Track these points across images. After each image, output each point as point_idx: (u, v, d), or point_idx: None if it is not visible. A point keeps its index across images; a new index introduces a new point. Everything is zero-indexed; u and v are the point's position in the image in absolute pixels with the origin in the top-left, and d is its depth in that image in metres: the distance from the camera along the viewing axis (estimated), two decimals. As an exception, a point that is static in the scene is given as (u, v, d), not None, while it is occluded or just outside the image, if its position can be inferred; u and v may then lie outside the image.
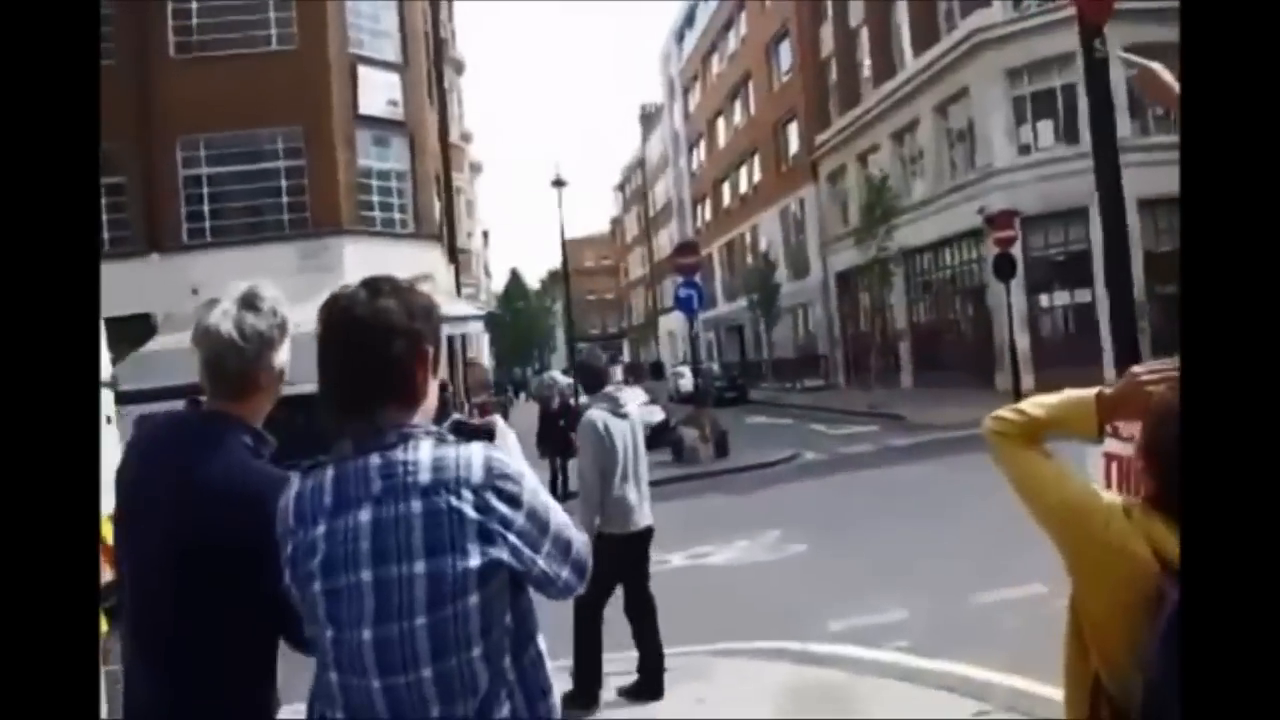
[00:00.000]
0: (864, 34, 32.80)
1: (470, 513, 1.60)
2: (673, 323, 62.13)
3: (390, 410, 1.68)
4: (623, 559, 5.44)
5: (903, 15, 29.88)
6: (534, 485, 1.71)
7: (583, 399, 28.76)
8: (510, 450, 1.77)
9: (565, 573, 1.74)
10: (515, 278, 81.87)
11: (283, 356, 2.02)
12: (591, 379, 5.87)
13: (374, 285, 1.73)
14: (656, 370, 61.98)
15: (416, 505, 1.61)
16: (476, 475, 1.63)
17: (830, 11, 35.32)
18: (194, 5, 19.17)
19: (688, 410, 20.72)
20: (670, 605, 5.87)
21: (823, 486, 13.95)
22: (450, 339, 23.75)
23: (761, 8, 42.95)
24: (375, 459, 1.65)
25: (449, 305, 19.20)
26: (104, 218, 19.21)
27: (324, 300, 1.75)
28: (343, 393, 1.70)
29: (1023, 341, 22.05)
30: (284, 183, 19.67)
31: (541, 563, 1.68)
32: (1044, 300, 24.34)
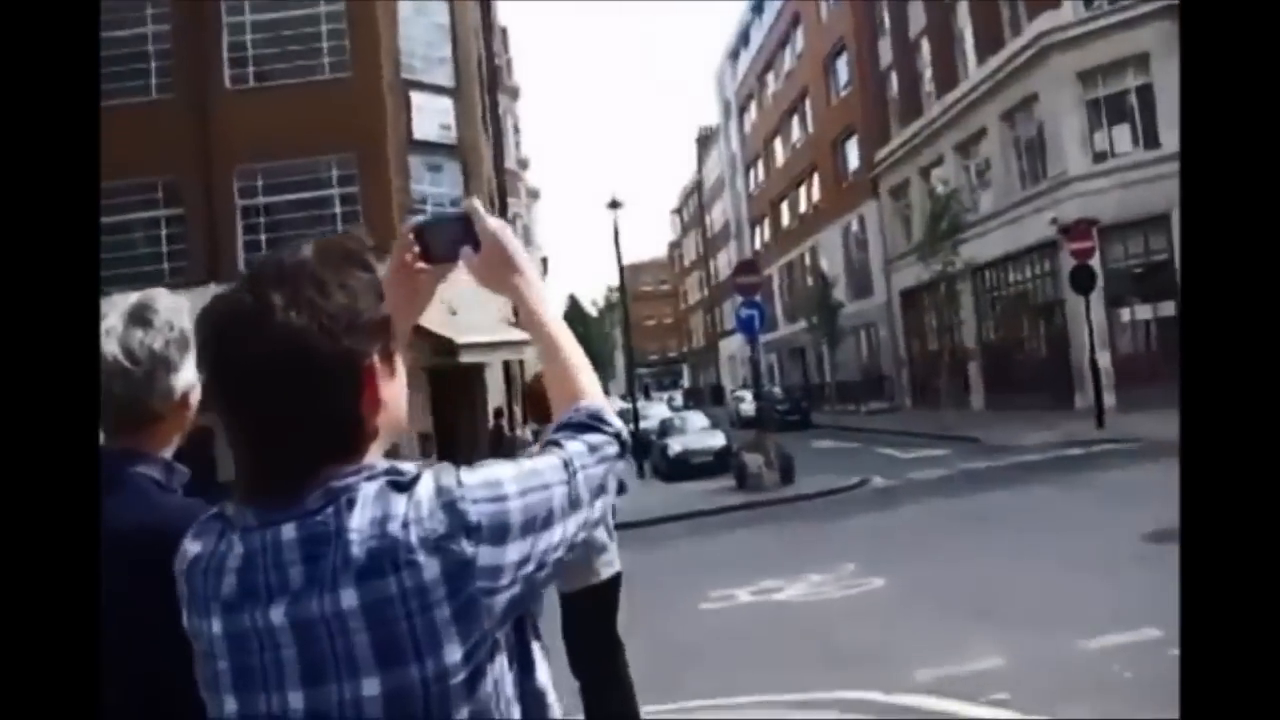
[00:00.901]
0: (924, 43, 31.95)
1: (435, 589, 1.07)
2: (733, 346, 61.58)
3: (321, 470, 1.12)
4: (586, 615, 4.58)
5: (965, 21, 28.96)
6: (510, 474, 1.17)
7: (648, 418, 28.18)
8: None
9: (599, 471, 1.26)
10: (574, 303, 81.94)
11: (186, 378, 1.64)
12: (540, 407, 4.81)
13: (259, 280, 1.14)
14: (716, 394, 61.60)
15: (351, 598, 1.06)
16: (432, 522, 1.08)
17: (889, 23, 34.56)
18: (249, 37, 19.34)
19: (750, 435, 20.08)
20: (735, 647, 5.24)
21: (897, 514, 13.10)
22: (507, 364, 23.46)
23: (818, 23, 42.37)
24: (290, 531, 1.10)
25: (506, 332, 18.87)
26: (164, 249, 19.41)
27: (199, 313, 1.19)
28: (245, 463, 1.15)
29: (1103, 358, 20.93)
30: (339, 210, 19.65)
31: (561, 546, 1.19)
32: (1124, 314, 23.16)
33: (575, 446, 1.25)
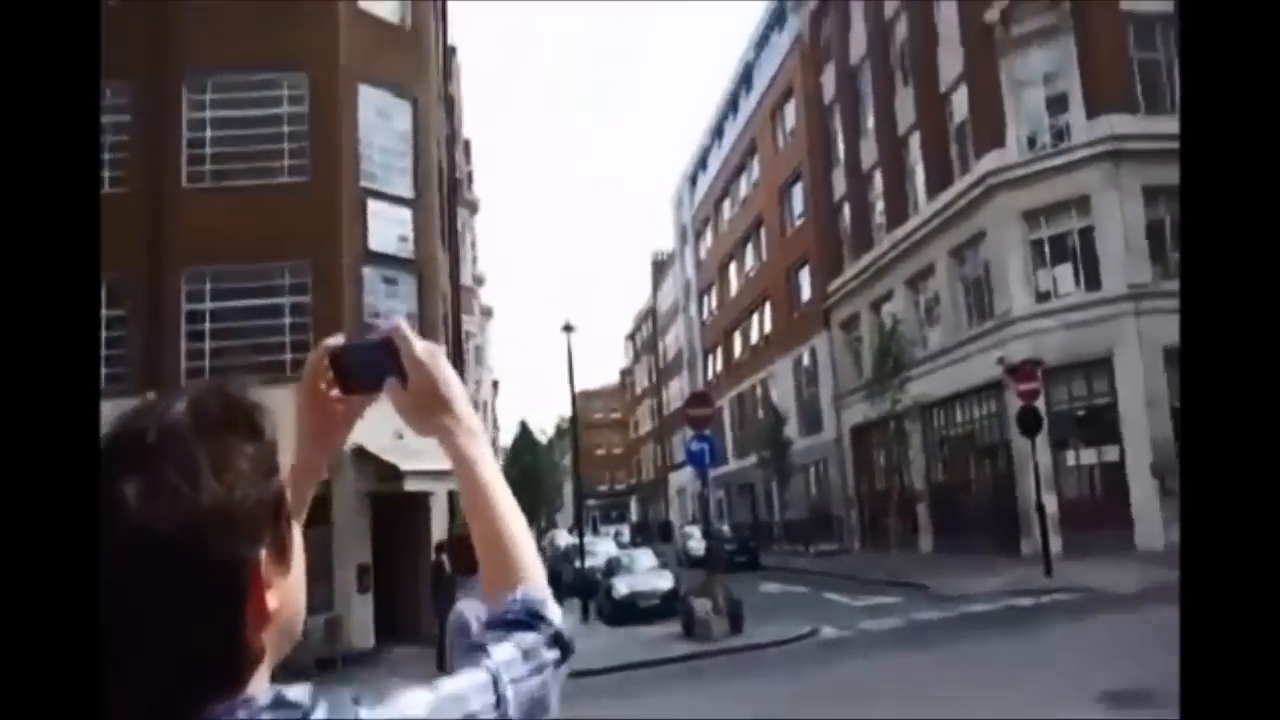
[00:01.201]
0: (877, 176, 32.99)
1: None
2: (682, 479, 61.14)
3: (186, 713, 0.85)
4: None
5: (916, 156, 30.06)
6: (423, 705, 0.93)
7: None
8: None
9: (533, 683, 1.03)
10: (524, 430, 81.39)
11: None
12: (467, 558, 4.71)
13: (110, 457, 0.88)
14: (665, 531, 60.63)
15: None
16: None
17: (843, 155, 35.73)
18: (209, 134, 19.19)
19: (698, 578, 19.67)
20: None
21: (849, 669, 12.65)
22: (453, 494, 22.76)
23: (774, 152, 43.76)
24: None
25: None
26: (102, 352, 18.73)
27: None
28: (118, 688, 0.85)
29: (1049, 502, 20.97)
30: (288, 320, 19.19)
31: None
32: (1069, 457, 23.33)
33: (505, 653, 1.04)
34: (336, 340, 1.19)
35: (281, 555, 0.94)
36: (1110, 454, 22.38)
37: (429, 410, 1.17)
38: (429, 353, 1.17)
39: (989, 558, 22.55)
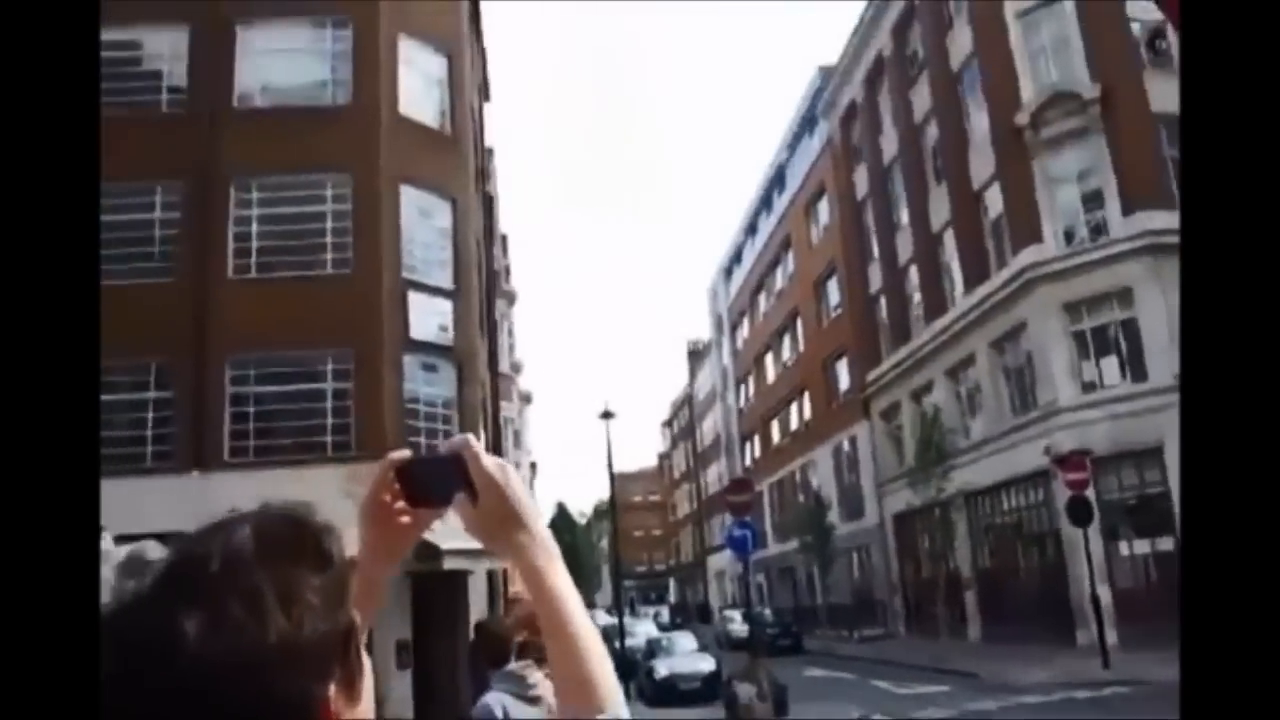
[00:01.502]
0: (913, 270, 33.07)
1: None
2: (721, 562, 60.34)
3: None
4: None
5: (951, 252, 30.11)
6: None
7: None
8: None
9: None
10: (562, 511, 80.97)
11: None
12: (494, 650, 4.60)
13: (169, 588, 0.83)
14: (703, 612, 60.05)
15: None
16: None
17: (877, 250, 35.93)
18: (255, 229, 19.79)
19: (740, 660, 19.21)
20: None
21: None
22: (491, 573, 22.62)
23: (808, 246, 44.06)
24: None
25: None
26: (149, 431, 19.15)
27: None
28: None
29: (1103, 593, 20.31)
30: (330, 404, 19.44)
31: None
32: (1122, 547, 22.68)
33: None
34: (402, 454, 1.17)
35: (351, 688, 0.88)
36: (1165, 544, 21.71)
37: (501, 527, 1.15)
38: (499, 468, 1.15)
39: (1041, 647, 21.87)
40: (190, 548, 0.87)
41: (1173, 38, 24.55)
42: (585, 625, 1.13)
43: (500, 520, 1.15)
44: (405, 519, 1.16)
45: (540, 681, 4.01)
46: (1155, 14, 24.62)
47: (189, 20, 20.69)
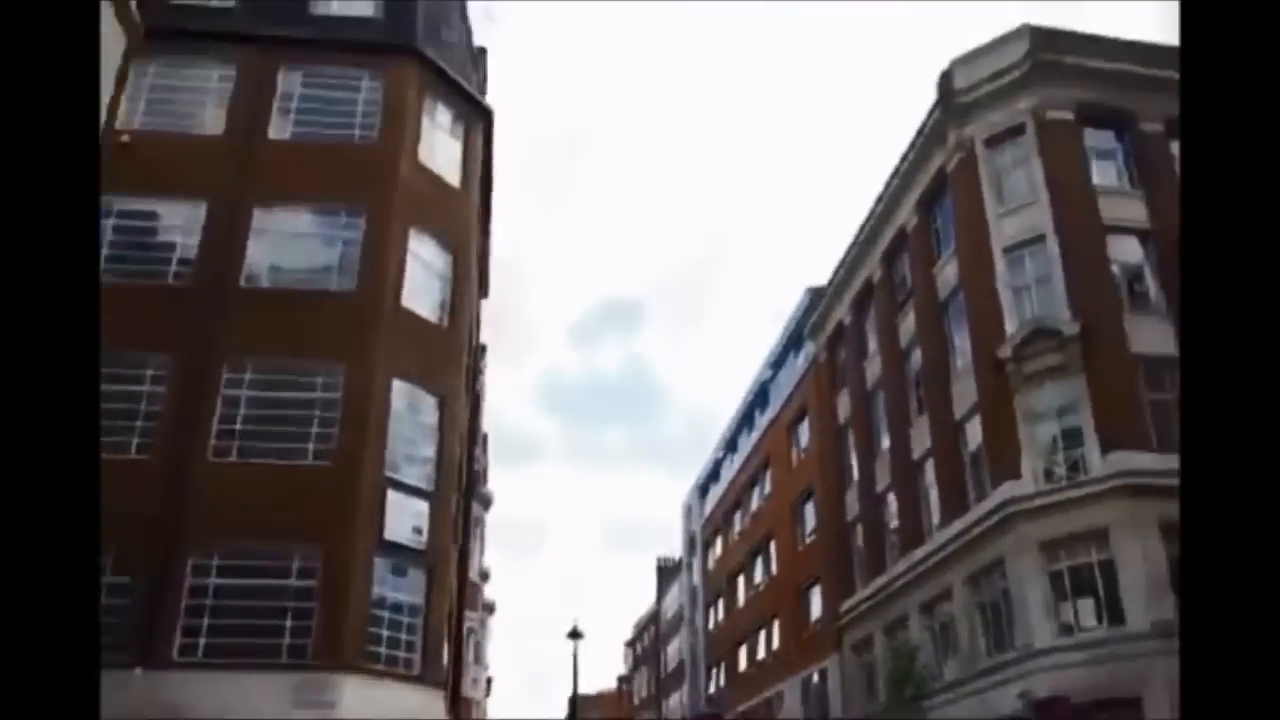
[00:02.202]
0: (891, 498, 32.99)
1: None
2: (679, 799, 56.58)
3: None
4: None
5: (930, 481, 30.14)
6: None
7: None
8: None
9: None
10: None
11: None
12: None
13: None
14: None
15: None
16: None
17: (856, 475, 35.94)
18: (241, 411, 19.65)
19: None
20: None
21: None
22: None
23: (788, 469, 44.06)
24: None
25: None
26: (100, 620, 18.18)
27: None
28: None
29: None
30: (291, 604, 18.66)
31: None
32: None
33: None
34: None
35: None
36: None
37: None
38: None
39: None
40: None
41: (1151, 281, 25.69)
42: None
43: None
44: None
45: None
46: (1135, 256, 26.04)
47: (208, 195, 21.33)
